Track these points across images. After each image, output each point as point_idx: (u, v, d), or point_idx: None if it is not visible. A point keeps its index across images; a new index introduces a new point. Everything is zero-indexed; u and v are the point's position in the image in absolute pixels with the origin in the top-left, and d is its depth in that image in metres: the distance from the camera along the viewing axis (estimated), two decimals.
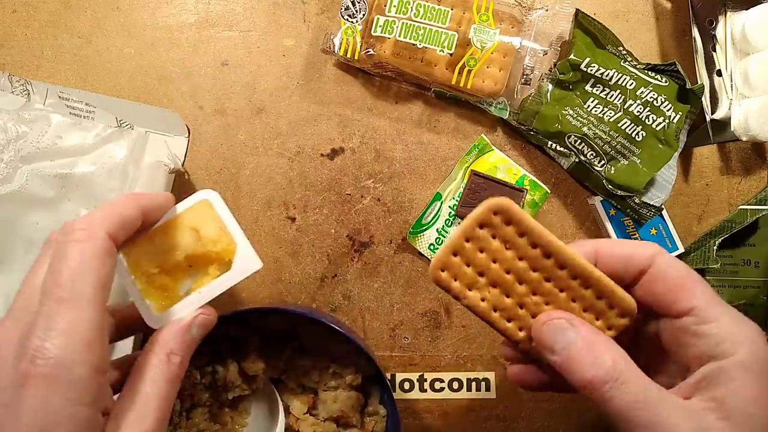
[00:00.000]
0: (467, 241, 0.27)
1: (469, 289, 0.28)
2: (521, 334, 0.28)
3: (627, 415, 0.25)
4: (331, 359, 0.41)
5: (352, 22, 0.43)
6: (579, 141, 0.43)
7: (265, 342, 0.40)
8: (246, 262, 0.30)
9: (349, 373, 0.40)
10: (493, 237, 0.27)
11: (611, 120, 0.42)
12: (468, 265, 0.27)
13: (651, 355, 0.29)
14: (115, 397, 0.27)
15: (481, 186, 0.44)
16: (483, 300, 0.28)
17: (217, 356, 0.39)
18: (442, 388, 0.46)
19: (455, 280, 0.28)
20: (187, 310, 0.29)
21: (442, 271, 0.27)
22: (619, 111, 0.42)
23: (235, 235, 0.30)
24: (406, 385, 0.46)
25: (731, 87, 0.43)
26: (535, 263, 0.27)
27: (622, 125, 0.42)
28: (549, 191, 0.46)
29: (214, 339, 0.35)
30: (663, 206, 0.43)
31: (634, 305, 0.27)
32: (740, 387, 0.24)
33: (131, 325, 0.31)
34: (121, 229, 0.26)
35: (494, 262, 0.27)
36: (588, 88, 0.43)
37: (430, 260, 0.45)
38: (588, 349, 0.26)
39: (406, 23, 0.42)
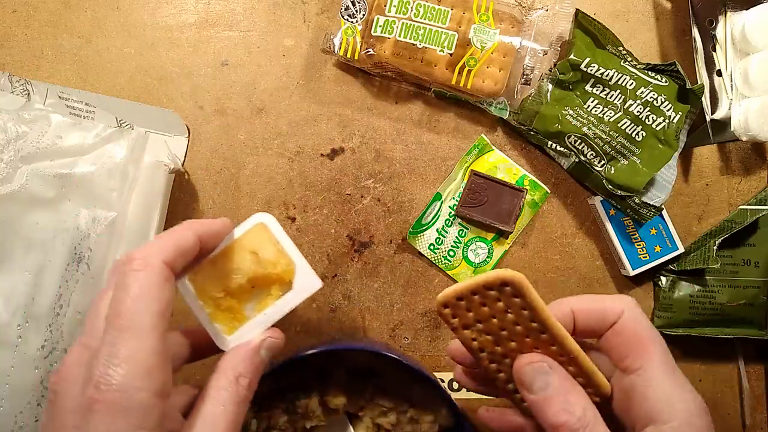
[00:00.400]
0: (473, 294, 0.28)
1: (465, 328, 0.30)
2: (501, 375, 0.31)
3: None
4: (411, 404, 0.40)
5: (352, 22, 0.43)
6: (579, 141, 0.43)
7: (348, 376, 0.40)
8: (306, 281, 0.31)
9: (427, 421, 0.39)
10: (498, 300, 0.28)
11: (611, 120, 0.42)
12: (469, 311, 0.29)
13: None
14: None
15: (481, 186, 0.44)
16: (474, 340, 0.30)
17: (300, 383, 0.39)
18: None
19: (454, 317, 0.29)
20: (255, 331, 0.30)
21: (445, 307, 0.29)
22: (619, 111, 0.42)
23: (293, 255, 0.31)
24: None
25: (731, 87, 0.43)
26: (529, 332, 0.29)
27: (622, 125, 0.42)
28: (549, 191, 0.46)
29: (299, 366, 0.35)
30: (663, 206, 0.43)
31: (608, 390, 0.29)
32: None
33: (206, 348, 0.32)
34: (178, 256, 0.27)
35: (493, 317, 0.29)
36: (588, 88, 0.43)
37: (430, 260, 0.45)
38: (562, 394, 0.28)
39: (406, 23, 0.42)
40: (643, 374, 0.28)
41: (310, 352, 0.36)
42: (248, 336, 0.30)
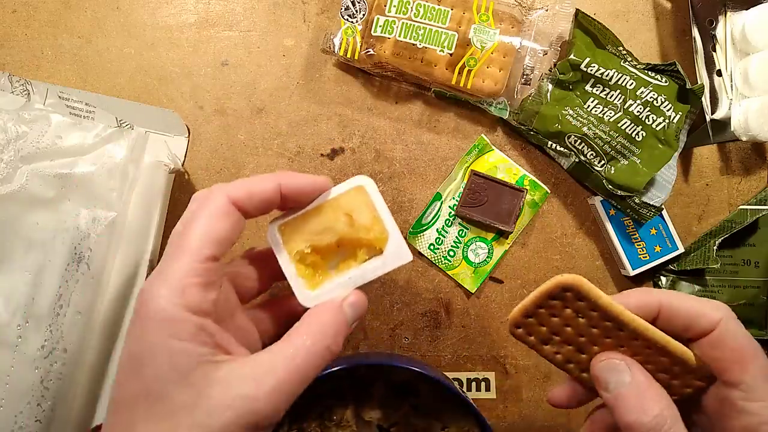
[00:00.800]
0: (539, 307, 0.28)
1: (545, 344, 0.29)
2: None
3: None
4: (444, 425, 0.39)
5: (352, 22, 0.43)
6: (579, 141, 0.43)
7: (387, 391, 0.39)
8: (397, 253, 0.30)
9: None
10: (565, 307, 0.28)
11: (611, 120, 0.42)
12: (542, 325, 0.29)
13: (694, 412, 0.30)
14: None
15: (481, 186, 0.44)
16: (557, 354, 0.29)
17: (336, 391, 0.39)
18: None
19: (530, 335, 0.29)
20: (337, 291, 0.30)
21: (518, 327, 0.29)
22: (619, 111, 0.42)
23: (387, 224, 0.30)
24: None
25: (731, 87, 0.43)
26: (607, 332, 0.28)
27: (622, 125, 0.42)
28: (549, 191, 0.46)
29: (337, 374, 0.35)
30: (663, 206, 0.43)
31: (711, 371, 0.28)
32: None
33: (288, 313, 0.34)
34: (247, 198, 0.28)
35: (567, 326, 0.28)
36: (588, 88, 0.43)
37: (430, 260, 0.45)
38: (638, 394, 0.27)
39: (406, 23, 0.42)
40: (744, 389, 0.27)
41: (355, 364, 0.35)
42: (330, 294, 0.30)
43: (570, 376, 0.31)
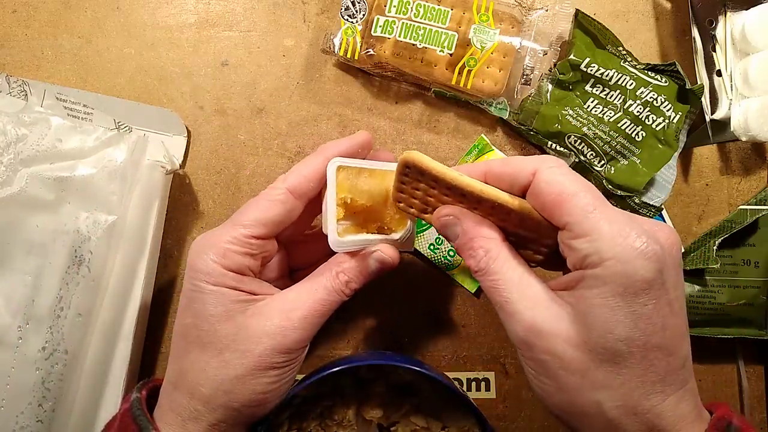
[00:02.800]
0: (403, 183, 0.32)
1: (424, 213, 0.33)
2: None
3: (488, 295, 0.30)
4: (445, 425, 0.39)
5: (352, 22, 0.43)
6: (579, 141, 0.43)
7: (388, 390, 0.39)
8: (406, 239, 0.36)
9: None
10: (419, 181, 0.31)
11: (611, 120, 0.42)
12: (414, 198, 0.32)
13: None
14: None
15: None
16: (425, 213, 0.33)
17: (337, 390, 0.39)
18: None
19: (411, 207, 0.33)
20: (359, 247, 0.34)
21: (399, 202, 0.33)
22: (619, 111, 0.42)
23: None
24: None
25: (731, 87, 0.43)
26: (456, 199, 0.31)
27: (622, 125, 0.42)
28: None
29: (339, 373, 0.35)
30: (663, 206, 0.43)
31: (525, 207, 0.30)
32: (592, 295, 0.26)
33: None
34: (303, 182, 0.33)
35: (429, 196, 0.32)
36: (588, 88, 0.43)
37: (430, 260, 0.46)
38: (468, 242, 0.30)
39: (406, 23, 0.42)
40: (570, 228, 0.27)
41: (357, 364, 0.36)
42: (353, 246, 0.33)
43: None
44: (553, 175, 0.28)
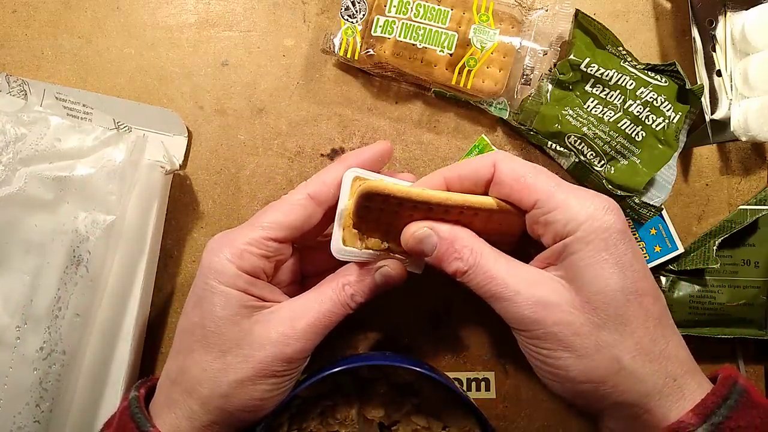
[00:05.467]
0: (360, 218, 0.31)
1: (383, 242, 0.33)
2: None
3: (483, 290, 0.30)
4: (445, 425, 0.39)
5: (352, 22, 0.43)
6: (579, 141, 0.43)
7: (389, 390, 0.39)
8: (415, 262, 0.35)
9: None
10: (381, 210, 0.31)
11: (611, 120, 0.42)
12: (376, 230, 0.32)
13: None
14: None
15: None
16: (388, 247, 0.33)
17: (338, 389, 0.39)
18: None
19: (369, 237, 0.33)
20: (361, 258, 0.34)
21: (361, 230, 0.33)
22: (619, 111, 0.42)
23: None
24: None
25: (731, 87, 0.43)
26: (426, 215, 0.31)
27: (622, 125, 0.42)
28: None
29: (340, 373, 0.36)
30: (663, 206, 0.43)
31: (513, 208, 0.31)
32: (580, 257, 0.28)
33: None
34: (323, 188, 0.34)
35: (390, 225, 0.32)
36: (588, 88, 0.43)
37: None
38: (449, 247, 0.31)
39: (406, 23, 0.42)
40: (540, 206, 0.30)
41: (359, 364, 0.36)
42: (356, 257, 0.34)
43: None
44: (512, 164, 0.31)
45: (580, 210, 0.29)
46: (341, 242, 0.33)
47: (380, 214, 0.31)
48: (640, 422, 0.28)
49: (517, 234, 0.34)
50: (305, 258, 0.39)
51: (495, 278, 0.30)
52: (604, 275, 0.28)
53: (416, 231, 0.31)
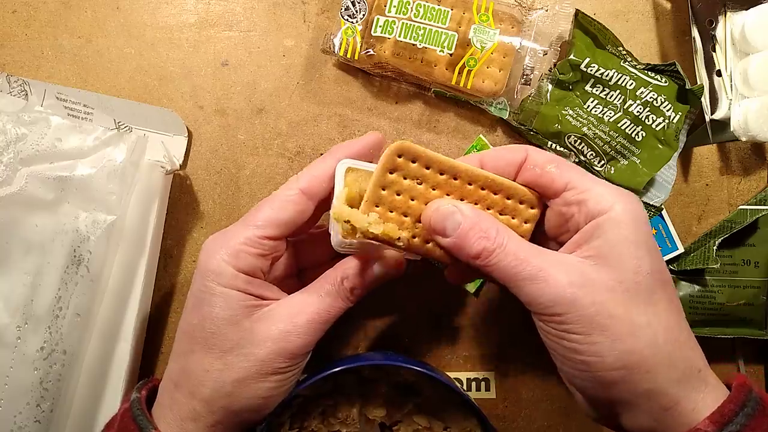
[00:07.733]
0: (383, 189, 0.30)
1: (402, 221, 0.31)
2: (415, 241, 0.32)
3: (513, 273, 0.28)
4: (446, 425, 0.39)
5: (352, 22, 0.43)
6: (579, 141, 0.43)
7: (391, 390, 0.39)
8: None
9: None
10: (405, 178, 0.30)
11: (611, 120, 0.42)
12: (392, 211, 0.31)
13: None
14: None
15: None
16: (415, 237, 0.31)
17: (339, 388, 0.39)
18: None
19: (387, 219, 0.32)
20: (360, 250, 0.33)
21: (376, 206, 0.31)
22: (619, 111, 0.42)
23: None
24: None
25: (731, 87, 0.43)
26: (446, 188, 0.31)
27: (622, 125, 0.42)
28: None
29: (341, 373, 0.35)
30: (663, 206, 0.43)
31: (536, 195, 0.32)
32: (613, 236, 0.28)
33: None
34: (314, 183, 0.33)
35: (412, 200, 0.30)
36: (588, 88, 0.43)
37: (430, 260, 0.45)
38: (474, 226, 0.29)
39: (406, 23, 0.42)
40: (573, 186, 0.30)
41: (361, 364, 0.36)
42: (356, 251, 0.33)
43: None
44: (542, 152, 0.32)
45: (611, 193, 0.29)
46: (340, 235, 0.32)
47: (400, 187, 0.30)
48: (669, 415, 0.27)
49: (526, 234, 0.34)
50: (300, 250, 0.39)
51: (526, 259, 0.28)
52: (638, 254, 0.28)
53: (441, 206, 0.30)
